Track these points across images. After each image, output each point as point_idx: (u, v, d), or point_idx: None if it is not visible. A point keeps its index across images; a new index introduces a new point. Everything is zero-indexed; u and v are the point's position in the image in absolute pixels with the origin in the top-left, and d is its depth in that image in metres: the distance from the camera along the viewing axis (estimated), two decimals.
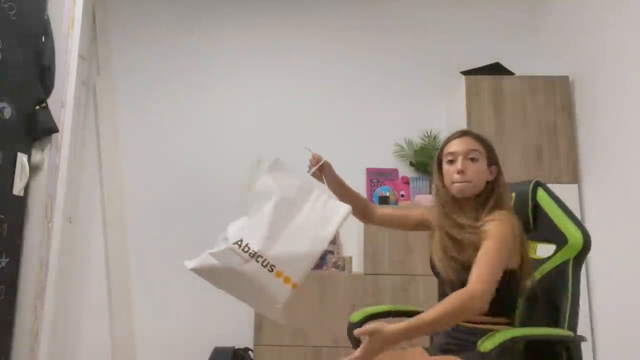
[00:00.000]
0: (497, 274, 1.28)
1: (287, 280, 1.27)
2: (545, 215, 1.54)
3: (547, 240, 1.53)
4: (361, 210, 1.66)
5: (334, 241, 2.94)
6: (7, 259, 1.79)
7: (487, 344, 1.17)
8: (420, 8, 3.44)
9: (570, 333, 1.35)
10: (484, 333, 1.33)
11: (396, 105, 3.32)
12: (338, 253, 2.93)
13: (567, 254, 1.46)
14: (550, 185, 2.62)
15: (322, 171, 1.59)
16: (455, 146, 1.50)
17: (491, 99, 2.80)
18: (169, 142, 3.29)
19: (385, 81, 3.36)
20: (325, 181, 1.61)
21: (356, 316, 1.56)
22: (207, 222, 3.17)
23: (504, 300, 1.39)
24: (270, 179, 1.41)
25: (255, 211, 1.36)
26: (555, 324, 1.42)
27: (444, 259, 1.42)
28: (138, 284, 3.10)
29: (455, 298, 1.21)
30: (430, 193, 2.97)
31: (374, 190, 3.09)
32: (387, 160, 3.23)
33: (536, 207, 1.57)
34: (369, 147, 3.26)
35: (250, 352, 2.84)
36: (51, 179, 2.01)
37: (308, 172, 1.63)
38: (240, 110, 3.34)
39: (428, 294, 2.60)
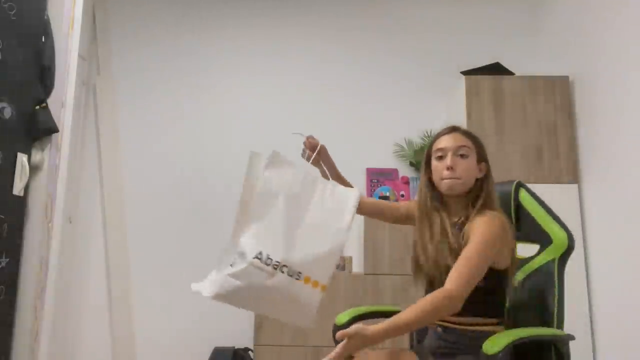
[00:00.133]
0: (476, 275, 1.26)
1: (315, 284, 1.20)
2: (528, 215, 1.54)
3: (530, 240, 1.54)
4: None
5: None
6: (7, 259, 1.79)
7: (493, 347, 1.16)
8: (420, 8, 3.44)
9: (564, 332, 1.36)
10: (477, 335, 1.33)
11: (396, 105, 3.32)
12: None
13: (552, 253, 1.47)
14: (550, 185, 2.66)
15: (320, 156, 1.55)
16: (445, 142, 1.47)
17: (491, 99, 2.80)
18: (169, 142, 3.29)
19: (385, 81, 3.36)
20: (324, 167, 1.56)
21: (342, 318, 1.55)
22: (207, 222, 3.17)
23: (495, 300, 1.39)
24: (272, 176, 1.32)
25: (264, 215, 1.26)
26: (544, 323, 1.43)
27: (430, 260, 1.40)
28: (138, 284, 3.10)
29: (432, 298, 1.20)
30: None
31: (374, 190, 3.09)
32: (387, 160, 3.23)
33: (519, 207, 1.57)
34: (369, 147, 3.26)
35: (250, 352, 2.84)
36: (51, 179, 2.01)
37: (303, 156, 1.57)
38: (240, 110, 3.33)
39: None
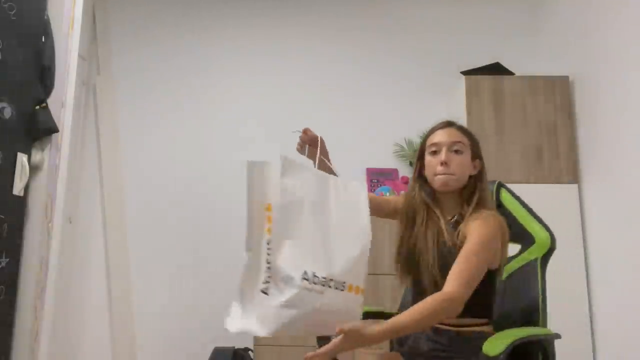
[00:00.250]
0: (476, 277, 1.24)
1: (357, 290, 1.14)
2: (510, 214, 1.55)
3: (512, 240, 1.53)
4: None
5: None
6: (7, 259, 1.79)
7: (494, 348, 1.15)
8: (420, 8, 3.44)
9: (552, 331, 1.37)
10: (475, 336, 1.31)
11: (396, 105, 3.32)
12: None
13: (535, 253, 1.48)
14: (550, 186, 2.66)
15: (320, 149, 1.47)
16: (439, 137, 1.44)
17: (491, 99, 2.80)
18: (169, 142, 3.29)
19: (385, 81, 3.36)
20: (324, 160, 1.47)
21: None
22: (208, 221, 3.17)
23: (485, 300, 1.37)
24: (291, 184, 1.17)
25: (294, 229, 1.13)
26: (530, 322, 1.43)
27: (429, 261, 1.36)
28: (138, 284, 3.10)
29: (432, 301, 1.16)
30: None
31: (374, 190, 3.09)
32: (387, 160, 3.23)
33: (499, 207, 1.57)
34: (369, 147, 3.25)
35: (250, 352, 2.83)
36: (51, 179, 2.00)
37: (301, 152, 1.49)
38: (240, 109, 3.33)
39: None
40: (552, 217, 2.72)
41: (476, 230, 1.30)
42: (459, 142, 1.42)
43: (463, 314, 1.26)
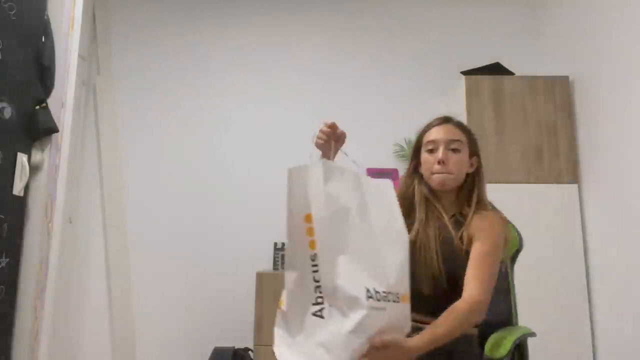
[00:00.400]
0: (494, 278, 1.24)
1: (404, 298, 1.03)
2: None
3: None
4: None
5: None
6: (7, 259, 1.79)
7: (499, 349, 1.16)
8: (421, 8, 3.44)
9: (530, 329, 1.38)
10: (468, 337, 1.29)
11: (396, 105, 3.32)
12: None
13: (505, 252, 1.49)
14: (550, 186, 2.67)
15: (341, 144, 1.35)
16: (436, 134, 1.41)
17: (491, 99, 2.80)
18: (170, 142, 3.29)
19: (385, 81, 3.36)
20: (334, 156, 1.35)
21: None
22: (208, 221, 3.17)
23: None
24: (335, 190, 1.05)
25: (345, 240, 1.03)
26: (507, 321, 1.45)
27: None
28: (138, 284, 3.10)
29: (461, 308, 1.14)
30: None
31: None
32: (387, 160, 3.23)
33: None
34: (369, 147, 3.25)
35: (250, 352, 2.83)
36: (51, 179, 2.00)
37: (319, 146, 1.33)
38: (241, 109, 3.33)
39: None
40: (552, 217, 2.73)
41: (484, 231, 1.29)
42: (457, 140, 1.40)
43: None
